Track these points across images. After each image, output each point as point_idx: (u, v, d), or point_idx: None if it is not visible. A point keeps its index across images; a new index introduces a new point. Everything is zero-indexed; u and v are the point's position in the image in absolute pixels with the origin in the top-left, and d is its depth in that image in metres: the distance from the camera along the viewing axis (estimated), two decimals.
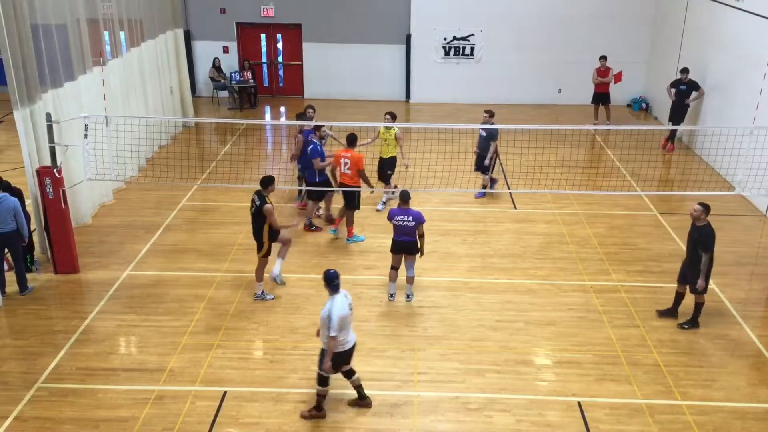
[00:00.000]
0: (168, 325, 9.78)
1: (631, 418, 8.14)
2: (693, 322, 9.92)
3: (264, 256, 10.26)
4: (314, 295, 10.49)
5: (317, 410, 8.03)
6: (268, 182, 10.07)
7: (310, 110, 13.51)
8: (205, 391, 8.46)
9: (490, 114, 13.66)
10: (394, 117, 13.61)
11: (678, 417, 8.17)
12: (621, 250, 12.11)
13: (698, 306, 9.88)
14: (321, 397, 8.01)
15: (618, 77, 18.71)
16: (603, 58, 18.56)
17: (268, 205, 9.91)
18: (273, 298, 10.47)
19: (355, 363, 8.98)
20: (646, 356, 9.25)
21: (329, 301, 7.65)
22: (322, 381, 7.93)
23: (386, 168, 13.53)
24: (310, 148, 12.19)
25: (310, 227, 12.72)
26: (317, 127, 12.60)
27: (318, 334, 7.94)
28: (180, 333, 9.60)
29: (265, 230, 10.08)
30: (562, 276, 11.22)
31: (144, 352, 9.23)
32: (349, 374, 8.08)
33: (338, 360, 7.81)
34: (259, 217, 10.02)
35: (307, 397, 8.34)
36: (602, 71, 18.59)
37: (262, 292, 10.48)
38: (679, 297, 10.03)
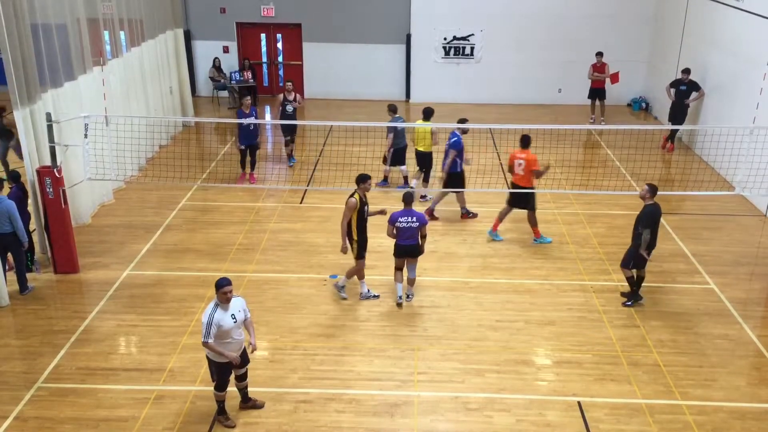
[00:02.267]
0: (168, 325, 9.78)
1: (631, 418, 8.14)
2: (634, 296, 10.26)
3: (357, 258, 10.08)
4: (314, 294, 10.50)
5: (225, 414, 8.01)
6: (361, 179, 9.95)
7: (289, 83, 15.23)
8: (205, 391, 8.44)
9: (389, 108, 14.03)
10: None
11: (678, 417, 8.18)
12: (621, 250, 12.00)
13: (640, 279, 10.23)
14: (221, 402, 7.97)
15: (615, 78, 18.72)
16: (599, 54, 18.69)
17: (350, 198, 9.78)
18: (378, 296, 10.43)
19: (356, 363, 9.05)
20: (646, 356, 9.25)
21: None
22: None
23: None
24: (452, 140, 12.43)
25: (467, 214, 13.16)
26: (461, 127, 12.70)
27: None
28: (180, 333, 9.60)
29: (353, 227, 9.91)
30: (561, 276, 11.22)
31: (144, 352, 9.24)
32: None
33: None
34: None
35: (307, 397, 8.35)
36: (598, 67, 18.67)
37: (368, 290, 10.44)
38: (631, 280, 10.28)
